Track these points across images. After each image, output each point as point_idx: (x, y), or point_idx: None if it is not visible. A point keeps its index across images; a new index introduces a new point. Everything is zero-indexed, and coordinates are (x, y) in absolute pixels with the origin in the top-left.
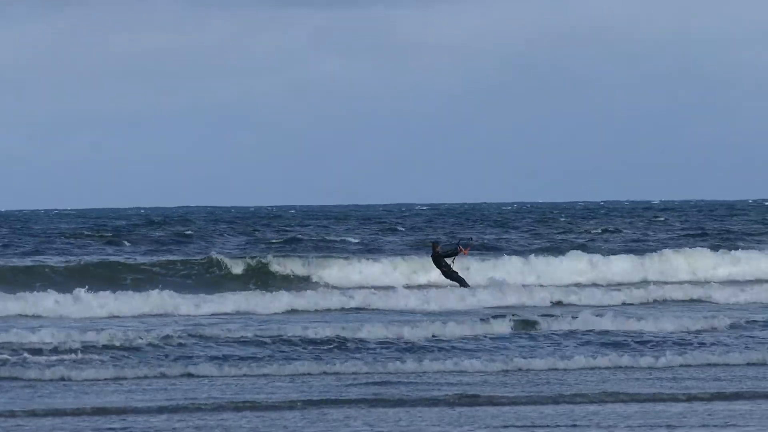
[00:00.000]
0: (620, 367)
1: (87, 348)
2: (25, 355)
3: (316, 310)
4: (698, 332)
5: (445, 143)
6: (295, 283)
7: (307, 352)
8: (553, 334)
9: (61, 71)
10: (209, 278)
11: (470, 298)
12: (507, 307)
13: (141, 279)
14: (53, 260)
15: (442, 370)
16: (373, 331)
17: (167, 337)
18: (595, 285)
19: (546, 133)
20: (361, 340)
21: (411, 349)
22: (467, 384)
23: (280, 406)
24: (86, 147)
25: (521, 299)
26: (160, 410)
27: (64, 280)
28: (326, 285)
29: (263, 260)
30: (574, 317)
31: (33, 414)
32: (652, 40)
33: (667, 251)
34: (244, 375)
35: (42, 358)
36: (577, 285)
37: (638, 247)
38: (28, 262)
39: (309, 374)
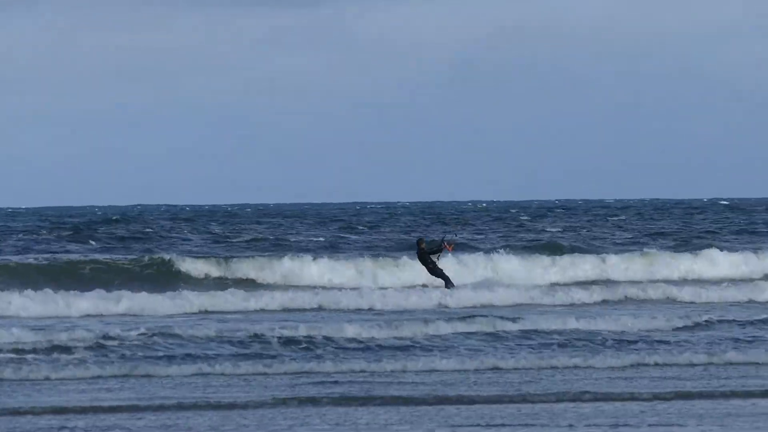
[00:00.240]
0: (569, 367)
1: (40, 349)
2: None
3: (273, 310)
4: (650, 331)
5: (399, 141)
6: (247, 283)
7: (272, 350)
8: (505, 333)
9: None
10: (164, 278)
11: (425, 296)
12: (472, 307)
13: (87, 277)
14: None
15: (405, 369)
16: (338, 330)
17: (112, 337)
18: (558, 285)
19: (501, 132)
20: (329, 339)
21: (371, 348)
22: (425, 384)
23: (239, 405)
24: (41, 144)
25: (486, 299)
26: (112, 410)
27: (8, 280)
28: (286, 285)
29: (222, 260)
30: (522, 317)
31: None
32: (618, 38)
33: (631, 251)
34: (209, 374)
35: None
36: (542, 285)
37: (599, 247)
38: None
39: (265, 374)
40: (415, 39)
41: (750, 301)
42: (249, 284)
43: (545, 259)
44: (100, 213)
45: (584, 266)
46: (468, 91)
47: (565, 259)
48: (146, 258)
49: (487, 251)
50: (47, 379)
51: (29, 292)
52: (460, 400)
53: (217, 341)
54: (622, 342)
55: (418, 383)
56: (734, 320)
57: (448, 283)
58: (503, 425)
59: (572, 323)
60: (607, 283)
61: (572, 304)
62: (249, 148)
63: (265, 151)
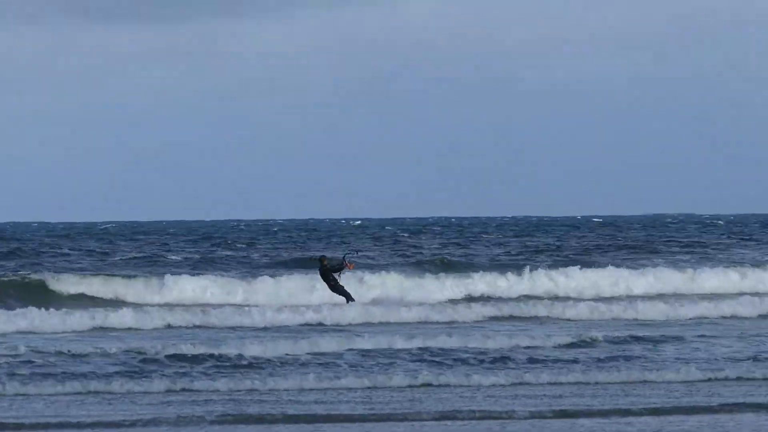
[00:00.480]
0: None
1: None
2: None
3: (156, 328)
4: (531, 348)
5: (271, 159)
6: (108, 303)
7: (148, 368)
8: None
9: None
10: (37, 296)
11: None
12: (358, 324)
13: None
14: None
15: (275, 388)
16: (215, 347)
17: None
18: (443, 302)
19: (372, 149)
20: (211, 356)
21: (245, 366)
22: (300, 402)
23: (125, 424)
24: None
25: (387, 317)
26: None
27: None
28: (163, 303)
29: (97, 276)
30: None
31: None
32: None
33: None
34: (89, 392)
35: None
36: (432, 303)
37: (485, 263)
38: None
39: (144, 392)
40: (289, 58)
41: (634, 320)
42: (121, 303)
43: (431, 276)
44: None
45: (469, 282)
46: (341, 108)
47: (452, 276)
48: (14, 275)
49: (375, 268)
50: None
51: None
52: (334, 419)
53: (94, 358)
54: (502, 359)
55: (294, 401)
56: (607, 338)
57: (349, 300)
58: None
59: (448, 341)
60: (495, 300)
61: (452, 321)
62: (105, 164)
63: (132, 168)
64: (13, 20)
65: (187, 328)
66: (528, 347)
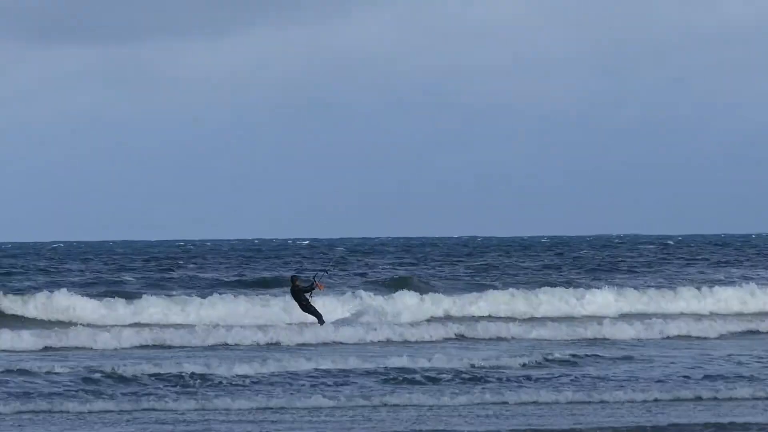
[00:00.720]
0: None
1: None
2: None
3: (77, 347)
4: (497, 368)
5: (215, 178)
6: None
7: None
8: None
9: None
10: None
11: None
12: (318, 344)
13: None
14: None
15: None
16: (156, 367)
17: None
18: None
19: (314, 169)
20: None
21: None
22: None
23: None
24: None
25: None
26: None
27: None
28: (108, 324)
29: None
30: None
31: None
32: (410, 71)
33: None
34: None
35: None
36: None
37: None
38: None
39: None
40: (229, 76)
41: (582, 338)
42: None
43: (407, 295)
44: None
45: (433, 301)
46: (282, 127)
47: (416, 296)
48: None
49: (342, 289)
50: None
51: None
52: None
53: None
54: (467, 380)
55: (244, 421)
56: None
57: (320, 320)
58: None
59: (399, 361)
60: (457, 319)
61: (418, 341)
62: (46, 183)
63: (70, 188)
64: None
65: (139, 347)
66: (493, 367)
